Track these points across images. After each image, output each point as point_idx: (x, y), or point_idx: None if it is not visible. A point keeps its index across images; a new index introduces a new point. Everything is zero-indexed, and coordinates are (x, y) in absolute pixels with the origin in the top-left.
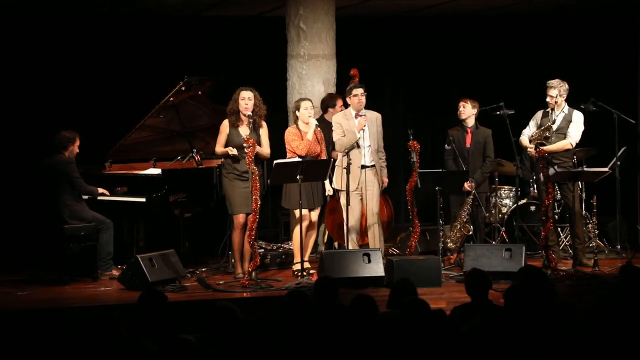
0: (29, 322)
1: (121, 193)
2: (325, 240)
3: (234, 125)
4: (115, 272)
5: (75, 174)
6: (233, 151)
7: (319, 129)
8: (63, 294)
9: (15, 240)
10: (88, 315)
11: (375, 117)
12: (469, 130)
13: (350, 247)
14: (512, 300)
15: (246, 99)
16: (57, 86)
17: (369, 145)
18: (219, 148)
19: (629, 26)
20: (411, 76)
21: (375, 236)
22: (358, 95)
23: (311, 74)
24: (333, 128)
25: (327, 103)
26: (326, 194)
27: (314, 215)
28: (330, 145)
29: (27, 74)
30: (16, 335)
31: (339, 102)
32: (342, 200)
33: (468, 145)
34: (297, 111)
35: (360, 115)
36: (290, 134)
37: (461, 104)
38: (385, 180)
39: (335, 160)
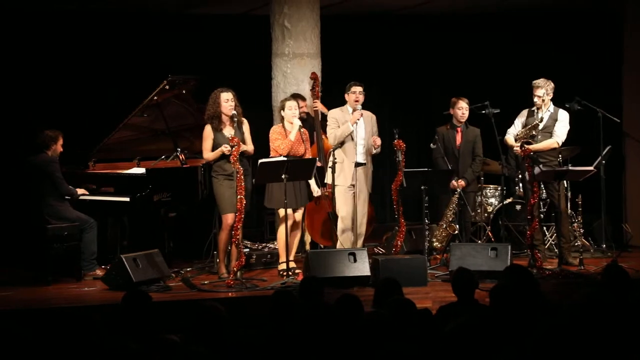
0: (11, 323)
1: (105, 192)
2: (310, 240)
3: (217, 129)
4: (99, 272)
5: (58, 174)
6: (226, 148)
7: (304, 129)
8: (46, 294)
9: None
10: (71, 315)
11: (370, 116)
12: (459, 130)
13: (339, 247)
14: (498, 299)
15: (230, 101)
16: (40, 84)
17: (362, 144)
18: (208, 154)
19: (613, 25)
20: (397, 75)
21: (361, 236)
22: (356, 93)
23: (296, 73)
24: (328, 123)
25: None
26: (314, 195)
27: (298, 215)
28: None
29: (8, 72)
30: None
31: (295, 104)
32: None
33: (458, 144)
34: (282, 111)
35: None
36: (274, 132)
37: (462, 105)
38: (379, 141)
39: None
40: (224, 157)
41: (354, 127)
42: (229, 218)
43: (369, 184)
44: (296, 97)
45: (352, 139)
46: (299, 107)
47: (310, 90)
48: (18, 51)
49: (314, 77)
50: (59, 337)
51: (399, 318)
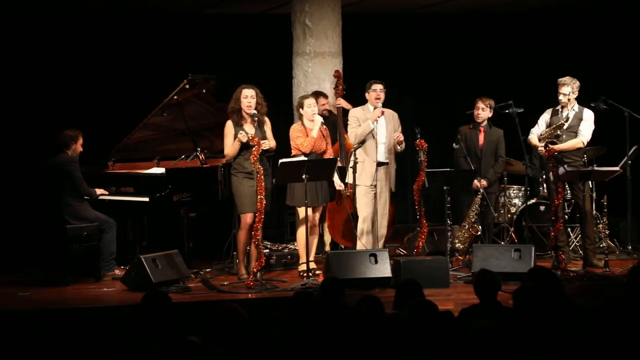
0: (30, 323)
1: (124, 193)
2: (331, 240)
3: (238, 124)
4: (118, 273)
5: (77, 174)
6: (242, 135)
7: (324, 126)
8: (65, 295)
9: (17, 240)
10: (91, 316)
11: (392, 114)
12: (481, 129)
13: (360, 247)
14: (521, 301)
15: (249, 97)
16: (60, 85)
17: (384, 143)
18: (228, 148)
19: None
20: (419, 73)
21: (382, 237)
22: (377, 91)
23: (317, 72)
24: (349, 122)
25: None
26: (337, 188)
27: (316, 216)
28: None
29: (28, 73)
30: (18, 336)
31: (321, 102)
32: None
33: (480, 144)
34: (300, 109)
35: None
36: (295, 130)
37: (479, 105)
38: (402, 137)
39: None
40: (244, 153)
41: (374, 125)
42: (247, 217)
43: (391, 184)
44: (318, 94)
45: (373, 137)
46: (321, 105)
47: (334, 88)
48: (40, 51)
49: (337, 75)
50: (78, 338)
51: (420, 320)
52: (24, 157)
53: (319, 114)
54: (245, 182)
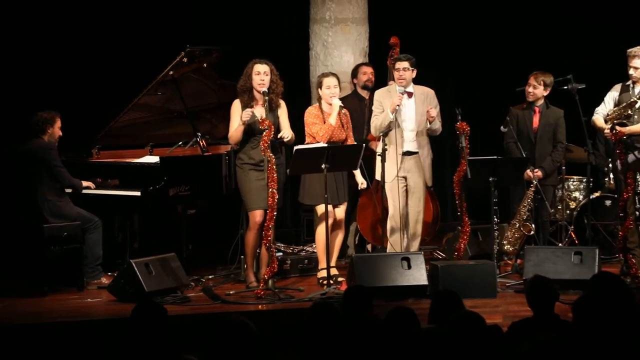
0: (2, 340)
1: (112, 186)
2: (357, 242)
3: (247, 106)
4: (104, 280)
5: (57, 162)
6: (246, 114)
7: (344, 111)
8: (42, 307)
9: None
10: (72, 331)
11: (425, 93)
12: (536, 110)
13: (389, 249)
14: (583, 314)
15: (262, 74)
16: (32, 57)
17: (412, 129)
18: (232, 130)
19: None
20: (460, 44)
21: (415, 237)
22: (400, 70)
23: (338, 42)
24: (373, 106)
25: (352, 74)
26: (359, 188)
27: (340, 211)
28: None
29: None
30: None
31: (363, 70)
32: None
33: (535, 127)
34: (319, 89)
35: (407, 92)
36: (310, 115)
37: (531, 82)
38: (433, 113)
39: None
40: (251, 140)
41: (392, 116)
42: (256, 215)
43: (426, 176)
44: (362, 65)
45: (399, 126)
46: (362, 73)
47: (388, 57)
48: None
49: (394, 42)
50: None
51: (463, 336)
52: None
53: (362, 85)
54: (252, 175)
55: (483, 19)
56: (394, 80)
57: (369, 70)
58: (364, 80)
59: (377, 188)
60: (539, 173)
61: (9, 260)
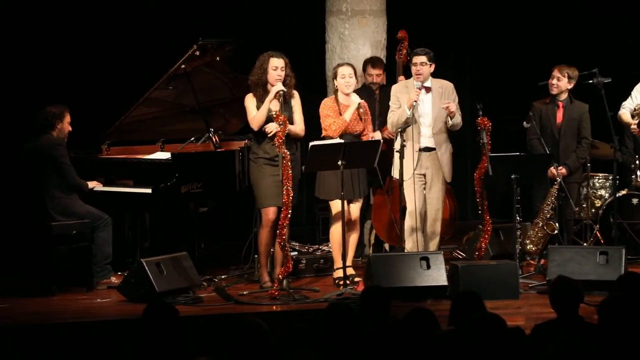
0: (8, 341)
1: (122, 183)
2: (373, 241)
3: (261, 100)
4: (114, 280)
5: (64, 159)
6: (278, 87)
7: (362, 109)
8: (50, 307)
9: None
10: (81, 332)
11: (443, 87)
12: (560, 104)
13: (407, 248)
14: (609, 316)
15: (278, 69)
16: (41, 51)
17: (429, 124)
18: (253, 115)
19: None
20: (481, 37)
21: (434, 236)
22: (417, 65)
23: (355, 35)
24: (391, 100)
25: (363, 68)
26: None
27: (355, 209)
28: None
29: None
30: None
31: (369, 72)
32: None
33: (559, 122)
34: (335, 79)
35: (424, 87)
36: (325, 107)
37: (555, 74)
38: (452, 107)
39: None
40: (264, 135)
41: (410, 112)
42: (270, 212)
43: (445, 172)
44: (373, 62)
45: (416, 121)
46: (376, 74)
47: (397, 52)
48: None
49: (402, 36)
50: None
51: (484, 339)
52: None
53: (373, 84)
54: (266, 170)
55: (504, 11)
56: (403, 75)
57: (374, 72)
58: (369, 82)
59: (391, 186)
60: (563, 170)
61: (17, 259)
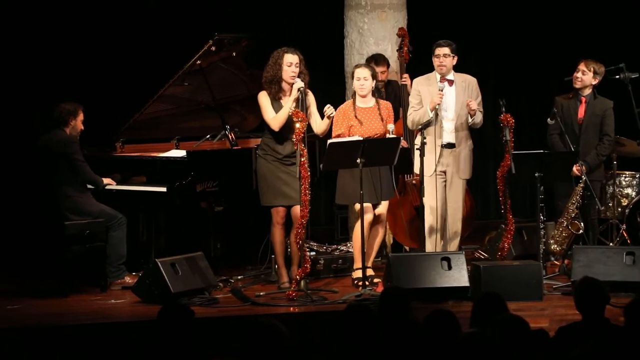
0: (21, 342)
1: (136, 181)
2: (392, 240)
3: (275, 98)
4: (129, 280)
5: (78, 156)
6: (297, 86)
7: (386, 103)
8: (63, 308)
9: (4, 241)
10: (95, 334)
11: (467, 82)
12: (583, 100)
13: (428, 248)
14: (636, 318)
15: (293, 65)
16: (54, 47)
17: (452, 119)
18: (274, 113)
19: None
20: (504, 32)
21: (456, 236)
22: (440, 57)
23: (375, 30)
24: (410, 96)
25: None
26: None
27: (382, 208)
28: None
29: (14, 32)
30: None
31: (366, 73)
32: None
33: (580, 118)
34: (352, 80)
35: (447, 80)
36: (339, 113)
37: (580, 67)
38: (473, 105)
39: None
40: (275, 133)
41: (432, 114)
42: (280, 211)
43: (465, 170)
44: (376, 59)
45: (437, 115)
46: (380, 72)
47: (397, 50)
48: (30, 9)
49: (402, 33)
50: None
51: (507, 341)
52: (12, 139)
53: (379, 82)
54: (275, 168)
55: (528, 4)
56: (407, 74)
57: (379, 70)
58: (381, 79)
59: (406, 185)
60: (583, 168)
61: (29, 259)
